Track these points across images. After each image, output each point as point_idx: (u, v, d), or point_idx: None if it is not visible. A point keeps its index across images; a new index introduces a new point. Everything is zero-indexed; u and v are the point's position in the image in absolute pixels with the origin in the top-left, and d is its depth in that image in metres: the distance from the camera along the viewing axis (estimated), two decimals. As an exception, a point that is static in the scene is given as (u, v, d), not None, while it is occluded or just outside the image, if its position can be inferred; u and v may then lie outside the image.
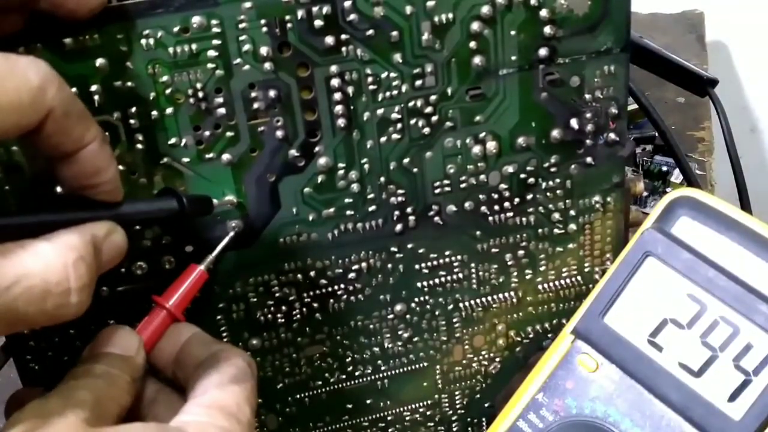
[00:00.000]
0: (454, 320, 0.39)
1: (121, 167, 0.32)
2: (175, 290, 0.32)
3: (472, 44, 0.33)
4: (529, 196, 0.37)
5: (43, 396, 0.27)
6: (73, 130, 0.26)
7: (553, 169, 0.37)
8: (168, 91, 0.32)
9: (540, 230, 0.38)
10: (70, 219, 0.27)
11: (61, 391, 0.27)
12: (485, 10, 0.33)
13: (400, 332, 0.39)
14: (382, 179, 0.35)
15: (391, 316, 0.38)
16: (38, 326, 0.26)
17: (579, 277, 0.40)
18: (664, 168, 0.70)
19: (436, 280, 0.38)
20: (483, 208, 0.37)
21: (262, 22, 0.31)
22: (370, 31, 0.32)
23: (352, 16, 0.32)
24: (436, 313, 0.39)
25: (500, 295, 0.39)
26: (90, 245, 0.26)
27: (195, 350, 0.31)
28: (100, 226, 0.27)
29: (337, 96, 0.33)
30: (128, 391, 0.29)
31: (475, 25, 0.33)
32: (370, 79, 0.33)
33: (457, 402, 0.42)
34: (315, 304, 0.37)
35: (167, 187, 0.33)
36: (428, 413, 0.41)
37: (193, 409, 0.28)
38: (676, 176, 0.70)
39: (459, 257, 0.38)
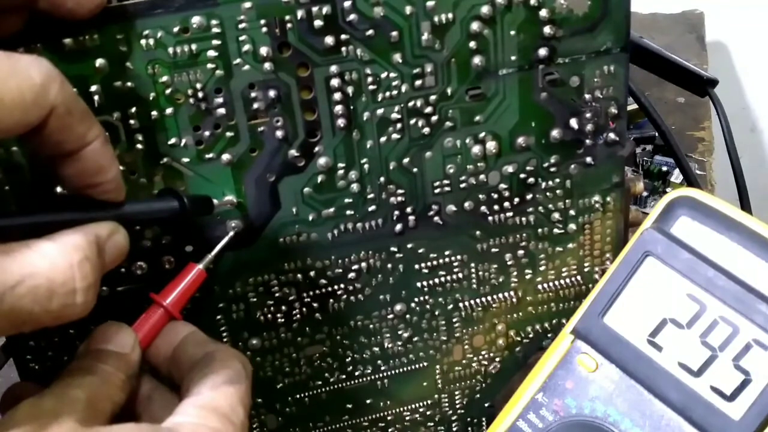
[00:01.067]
0: (454, 320, 0.39)
1: (121, 167, 0.32)
2: (173, 288, 0.32)
3: (472, 44, 0.34)
4: (529, 196, 0.37)
5: (37, 394, 0.27)
6: (76, 128, 0.26)
7: (552, 169, 0.37)
8: (168, 91, 0.32)
9: (540, 230, 0.38)
10: (73, 219, 0.27)
11: (56, 389, 0.27)
12: (485, 10, 0.33)
13: (400, 332, 0.39)
14: (382, 179, 0.35)
15: (390, 316, 0.38)
16: (43, 326, 0.26)
17: (579, 277, 0.40)
18: (664, 168, 0.70)
19: (436, 280, 0.38)
20: (483, 208, 0.37)
21: (262, 22, 0.31)
22: (370, 31, 0.32)
23: (352, 16, 0.32)
24: (436, 312, 0.39)
25: (500, 295, 0.39)
26: (94, 245, 0.26)
27: (190, 349, 0.31)
28: (104, 226, 0.27)
29: (337, 96, 0.33)
30: (122, 388, 0.29)
31: (475, 25, 0.33)
32: (369, 79, 0.33)
33: (457, 402, 0.42)
34: (315, 304, 0.37)
35: (168, 188, 0.33)
36: (428, 413, 0.41)
37: (187, 409, 0.28)
38: (676, 176, 0.70)
39: (459, 257, 0.38)
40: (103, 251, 0.27)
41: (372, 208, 0.36)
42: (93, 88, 0.31)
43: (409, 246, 0.37)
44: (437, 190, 0.36)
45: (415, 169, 0.35)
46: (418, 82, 0.34)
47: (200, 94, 0.32)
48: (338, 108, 0.33)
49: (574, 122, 0.36)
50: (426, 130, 0.35)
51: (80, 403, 0.27)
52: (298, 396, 0.39)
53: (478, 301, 0.39)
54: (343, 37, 0.32)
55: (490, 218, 0.37)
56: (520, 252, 0.38)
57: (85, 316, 0.26)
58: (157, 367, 0.31)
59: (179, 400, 0.29)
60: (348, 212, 0.36)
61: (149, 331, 0.31)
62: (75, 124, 0.26)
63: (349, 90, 0.33)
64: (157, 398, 0.31)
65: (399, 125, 0.34)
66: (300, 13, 0.31)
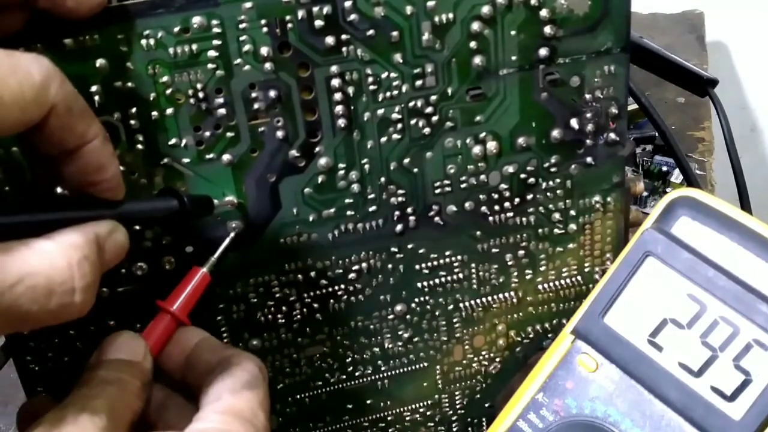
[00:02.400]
0: (455, 320, 0.39)
1: (121, 168, 0.32)
2: (179, 294, 0.32)
3: (473, 44, 0.34)
4: (530, 196, 0.37)
5: (58, 407, 0.27)
6: (76, 126, 0.26)
7: (553, 169, 0.37)
8: (168, 91, 0.32)
9: (540, 230, 0.38)
10: (72, 217, 0.27)
11: (76, 400, 0.27)
12: (485, 10, 0.33)
13: (400, 332, 0.39)
14: (383, 179, 0.35)
15: (391, 317, 0.38)
16: (42, 325, 0.25)
17: (579, 277, 0.40)
18: (664, 168, 0.70)
19: (437, 281, 0.38)
20: (483, 208, 0.37)
21: (263, 22, 0.31)
22: (371, 31, 0.32)
23: (353, 16, 0.32)
24: (437, 313, 0.39)
25: (500, 295, 0.39)
26: (93, 244, 0.26)
27: (205, 355, 0.31)
28: (103, 224, 0.27)
29: (338, 96, 0.33)
30: (140, 396, 0.29)
31: (476, 25, 0.33)
32: (370, 80, 0.33)
33: (457, 402, 0.42)
34: (315, 305, 0.37)
35: (168, 187, 0.33)
36: (428, 413, 0.41)
37: (209, 415, 0.28)
38: (676, 176, 0.70)
39: (459, 257, 0.38)
40: (102, 250, 0.27)
41: (372, 208, 0.36)
42: (93, 88, 0.31)
43: (410, 246, 0.37)
44: (438, 191, 0.36)
45: (415, 170, 0.35)
46: (418, 82, 0.34)
47: (201, 95, 0.32)
48: (339, 108, 0.33)
49: (574, 122, 0.36)
50: (426, 130, 0.35)
51: (102, 413, 0.27)
52: (298, 396, 0.39)
53: (478, 301, 0.39)
54: (344, 37, 0.32)
55: (490, 218, 0.37)
56: (521, 252, 0.38)
57: (83, 315, 0.26)
58: (170, 374, 0.31)
59: (193, 407, 0.29)
60: (348, 212, 0.36)
61: (159, 338, 0.31)
62: (75, 122, 0.26)
63: (350, 90, 0.33)
64: (172, 406, 0.31)
65: (399, 125, 0.34)
66: (300, 13, 0.31)
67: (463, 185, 0.36)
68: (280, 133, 0.33)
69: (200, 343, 0.31)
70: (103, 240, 0.27)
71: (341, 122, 0.34)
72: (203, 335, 0.32)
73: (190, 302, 0.32)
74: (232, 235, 0.34)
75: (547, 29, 0.34)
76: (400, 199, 0.36)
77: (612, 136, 0.37)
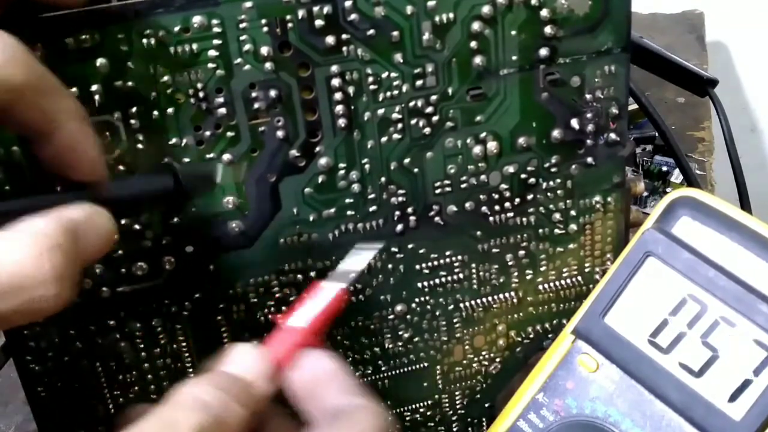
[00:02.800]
0: (455, 320, 0.39)
1: (121, 167, 0.32)
2: (312, 311, 0.29)
3: (473, 44, 0.33)
4: (530, 197, 0.37)
5: (139, 420, 0.24)
6: (47, 106, 0.25)
7: (553, 169, 0.37)
8: (168, 91, 0.32)
9: (540, 230, 0.38)
10: (41, 204, 0.24)
11: (162, 415, 0.24)
12: (486, 10, 0.33)
13: (400, 332, 0.39)
14: (383, 179, 0.35)
15: (391, 317, 0.38)
16: (17, 324, 0.23)
17: (579, 278, 0.40)
18: (664, 168, 0.70)
19: (437, 281, 0.38)
20: (484, 209, 0.37)
21: (263, 21, 0.31)
22: (371, 31, 0.32)
23: (353, 16, 0.32)
24: (437, 313, 0.39)
25: (501, 296, 0.39)
26: (66, 231, 0.24)
27: (334, 395, 0.28)
28: (78, 208, 0.25)
29: (338, 96, 0.33)
30: (241, 427, 0.25)
31: (476, 25, 0.33)
32: (370, 79, 0.33)
33: (457, 402, 0.42)
34: (315, 305, 0.37)
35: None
36: (428, 413, 0.41)
37: None
38: (676, 176, 0.70)
39: (459, 257, 0.38)
40: (78, 237, 0.24)
41: (373, 208, 0.36)
42: (93, 87, 0.31)
43: (410, 246, 0.37)
44: (438, 191, 0.36)
45: (415, 170, 0.35)
46: (419, 82, 0.34)
47: (201, 94, 0.32)
48: (339, 108, 0.33)
49: (574, 122, 0.36)
50: (427, 130, 0.35)
51: None
52: (298, 396, 0.39)
53: (478, 301, 0.39)
54: (344, 36, 0.32)
55: (491, 218, 0.37)
56: (521, 252, 0.38)
57: (61, 309, 0.24)
58: (288, 398, 0.28)
59: (296, 424, 0.27)
60: (349, 212, 0.36)
61: (283, 358, 0.28)
62: (45, 102, 0.25)
63: (350, 90, 0.33)
64: (274, 416, 0.28)
65: (400, 125, 0.34)
66: (301, 13, 0.31)
67: (463, 185, 0.36)
68: (280, 133, 0.33)
69: (332, 378, 0.28)
70: (78, 225, 0.24)
71: (341, 122, 0.34)
72: (338, 368, 0.28)
73: (325, 322, 0.29)
74: (375, 252, 0.34)
75: (548, 29, 0.34)
76: (400, 199, 0.36)
77: (612, 136, 0.37)
